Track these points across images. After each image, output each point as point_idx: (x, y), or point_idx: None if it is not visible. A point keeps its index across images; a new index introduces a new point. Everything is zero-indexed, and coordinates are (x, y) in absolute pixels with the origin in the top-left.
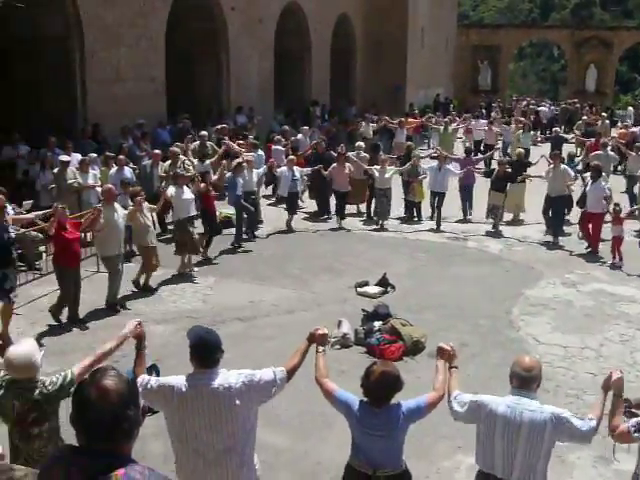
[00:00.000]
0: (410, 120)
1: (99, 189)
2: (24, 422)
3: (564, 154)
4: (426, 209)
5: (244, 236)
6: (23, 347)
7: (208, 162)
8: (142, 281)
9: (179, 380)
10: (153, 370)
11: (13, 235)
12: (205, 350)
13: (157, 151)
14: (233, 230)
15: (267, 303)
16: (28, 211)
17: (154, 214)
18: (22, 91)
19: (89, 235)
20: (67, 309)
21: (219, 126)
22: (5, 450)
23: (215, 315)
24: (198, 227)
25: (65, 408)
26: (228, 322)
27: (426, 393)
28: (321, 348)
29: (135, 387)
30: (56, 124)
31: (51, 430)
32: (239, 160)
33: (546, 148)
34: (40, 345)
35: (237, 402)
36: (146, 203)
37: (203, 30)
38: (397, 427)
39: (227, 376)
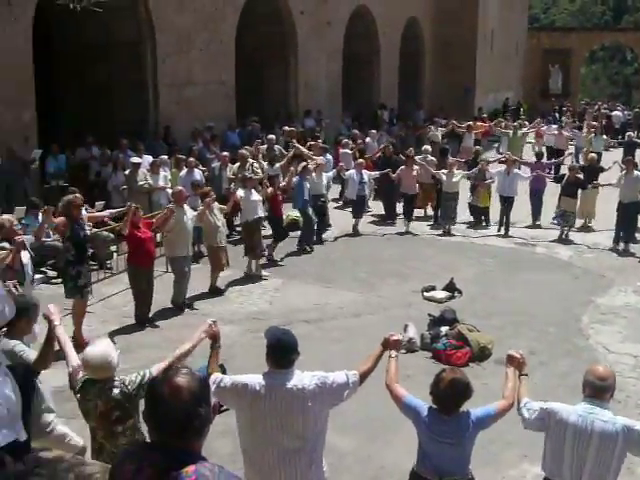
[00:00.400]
0: (478, 124)
1: (169, 190)
2: (108, 420)
3: (637, 159)
4: (494, 214)
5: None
6: (99, 347)
7: (278, 166)
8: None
9: (253, 379)
10: (222, 369)
11: (88, 233)
12: (281, 350)
13: (226, 153)
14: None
15: (333, 306)
16: (100, 212)
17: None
18: (95, 95)
19: (158, 236)
20: (136, 307)
21: (287, 129)
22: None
23: (282, 317)
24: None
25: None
26: (295, 324)
27: (495, 401)
28: (394, 353)
29: (207, 385)
30: (128, 127)
31: (134, 427)
32: (305, 163)
33: (618, 153)
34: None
35: (310, 404)
36: (216, 203)
37: (272, 34)
38: (466, 435)
39: (301, 377)
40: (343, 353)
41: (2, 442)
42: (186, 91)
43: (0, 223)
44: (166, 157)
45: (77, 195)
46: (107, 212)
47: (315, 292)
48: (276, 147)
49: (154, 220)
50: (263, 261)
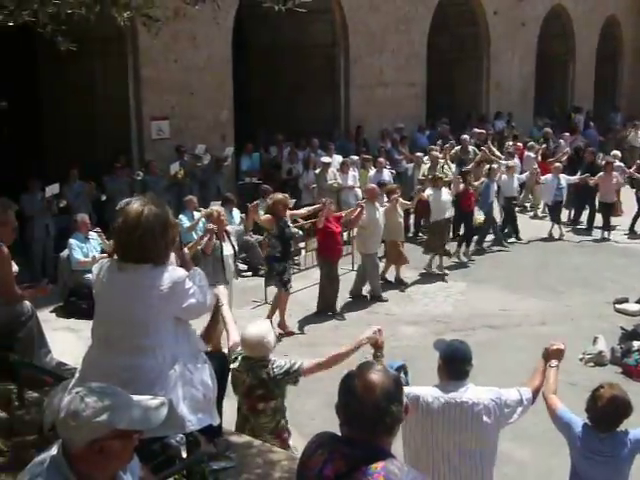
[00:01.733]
0: None
1: (358, 190)
2: (251, 396)
3: None
4: None
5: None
6: (257, 328)
7: (467, 168)
8: (390, 276)
9: (426, 391)
10: (402, 370)
11: (292, 231)
12: (458, 361)
13: (419, 154)
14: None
15: (519, 313)
16: (291, 209)
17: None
18: (288, 95)
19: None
20: (321, 299)
21: (477, 130)
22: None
23: (465, 321)
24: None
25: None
26: (478, 329)
27: None
28: (554, 362)
29: (400, 384)
30: (319, 126)
31: (276, 409)
32: (493, 165)
33: None
34: (293, 334)
35: (485, 419)
36: (401, 200)
37: (464, 34)
38: (621, 455)
39: (476, 391)
40: (527, 362)
41: (198, 425)
42: (377, 92)
43: (209, 213)
44: (356, 157)
45: (286, 195)
46: (305, 210)
47: (500, 297)
48: (470, 148)
49: (343, 214)
50: (449, 262)
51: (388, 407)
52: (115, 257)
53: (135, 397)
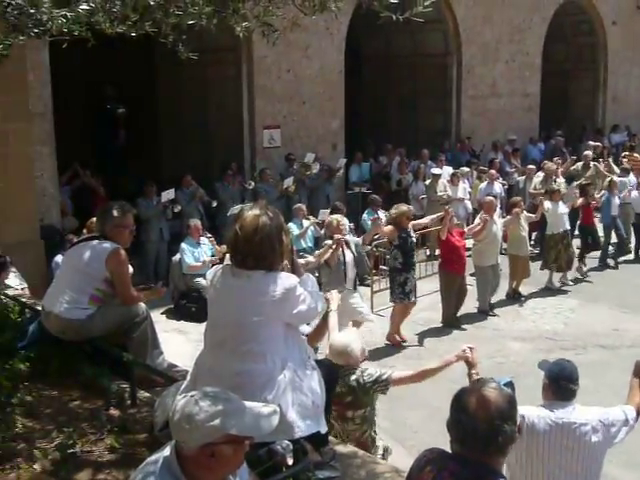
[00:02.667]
0: None
1: (467, 202)
2: (340, 403)
3: None
4: None
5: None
6: (344, 337)
7: (575, 184)
8: (515, 288)
9: (531, 411)
10: (509, 387)
11: (414, 241)
12: (563, 381)
13: (531, 166)
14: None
15: (633, 333)
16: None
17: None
18: (400, 104)
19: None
20: (444, 312)
21: (593, 143)
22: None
23: (576, 339)
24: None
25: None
26: (589, 348)
27: None
28: None
29: (514, 402)
30: (430, 137)
31: (363, 418)
32: (612, 178)
33: None
34: (404, 341)
35: (592, 439)
36: (525, 213)
37: (581, 45)
38: None
39: (583, 412)
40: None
41: (306, 432)
42: (489, 102)
43: (328, 222)
44: (467, 169)
45: (411, 208)
46: (428, 219)
47: (613, 316)
48: (592, 164)
49: (466, 229)
50: (570, 275)
51: (502, 426)
52: (228, 263)
53: (248, 404)
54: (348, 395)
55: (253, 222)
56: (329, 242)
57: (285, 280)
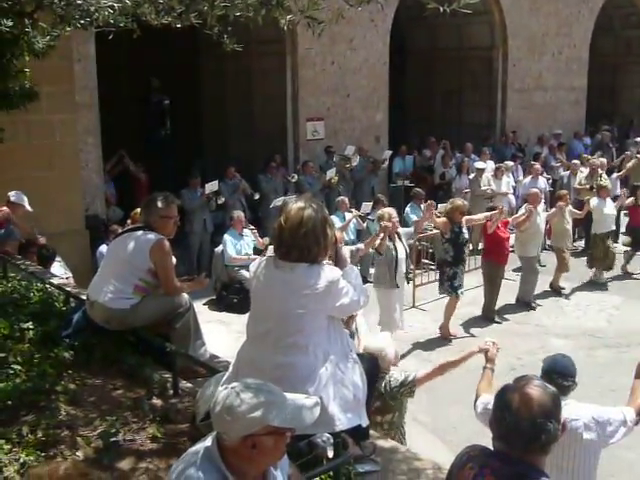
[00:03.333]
0: None
1: (511, 196)
2: (369, 409)
3: None
4: None
5: None
6: (377, 341)
7: (615, 176)
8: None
9: None
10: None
11: (467, 237)
12: (554, 375)
13: (576, 161)
14: None
15: None
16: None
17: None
18: (445, 97)
19: None
20: (486, 303)
21: (638, 139)
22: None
23: (619, 337)
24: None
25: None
26: (633, 346)
27: None
28: None
29: (559, 401)
30: (475, 130)
31: (391, 424)
32: None
33: None
34: (444, 342)
35: (585, 436)
36: (570, 207)
37: (629, 38)
38: None
39: (577, 408)
40: None
41: (347, 425)
42: (535, 96)
43: (380, 214)
44: (512, 163)
45: (465, 202)
46: (482, 215)
47: None
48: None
49: (511, 219)
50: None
51: (545, 424)
52: (271, 254)
53: (289, 395)
54: (377, 400)
55: (298, 215)
56: (384, 224)
57: (328, 273)
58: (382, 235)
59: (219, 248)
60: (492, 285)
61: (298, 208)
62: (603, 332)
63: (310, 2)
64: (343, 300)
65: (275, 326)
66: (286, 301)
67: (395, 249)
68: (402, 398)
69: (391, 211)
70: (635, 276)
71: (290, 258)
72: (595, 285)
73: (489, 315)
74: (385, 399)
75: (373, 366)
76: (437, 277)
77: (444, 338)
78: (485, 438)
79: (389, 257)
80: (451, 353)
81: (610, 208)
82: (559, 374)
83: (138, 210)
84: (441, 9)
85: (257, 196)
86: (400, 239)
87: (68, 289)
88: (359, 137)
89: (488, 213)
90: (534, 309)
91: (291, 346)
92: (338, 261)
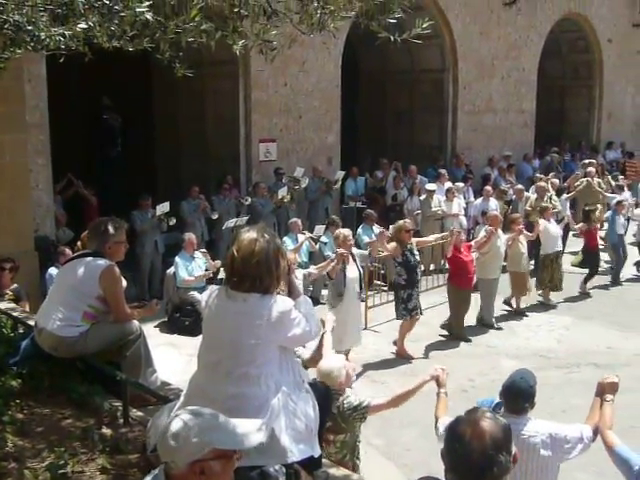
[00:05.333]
0: None
1: (462, 218)
2: (321, 437)
3: None
4: None
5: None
6: (328, 362)
7: (564, 197)
8: (514, 305)
9: None
10: (500, 407)
11: (418, 258)
12: (511, 396)
13: (520, 186)
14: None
15: (628, 352)
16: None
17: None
18: (396, 119)
19: None
20: (451, 325)
21: (587, 161)
22: None
23: (569, 357)
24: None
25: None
26: (583, 366)
27: None
28: (609, 397)
29: (510, 433)
30: (426, 151)
31: (343, 443)
32: (620, 199)
33: None
34: (412, 358)
35: (542, 452)
36: (525, 232)
37: (577, 62)
38: None
39: (535, 425)
40: (632, 406)
41: (300, 456)
42: (485, 118)
43: (335, 235)
44: (462, 185)
45: (407, 221)
46: (432, 237)
47: (607, 335)
48: (596, 181)
49: (473, 242)
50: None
51: (496, 456)
52: (223, 285)
53: (233, 419)
54: (329, 420)
55: (250, 245)
56: (340, 251)
57: (280, 303)
58: (336, 262)
59: (171, 270)
60: (458, 308)
61: (250, 238)
62: (554, 352)
63: (264, 28)
64: (295, 331)
65: (227, 356)
66: (238, 331)
67: (344, 270)
68: (354, 422)
69: (347, 232)
70: (584, 296)
71: (242, 288)
72: (545, 306)
73: (460, 337)
74: (337, 420)
75: (326, 395)
76: (389, 298)
77: (400, 357)
78: (439, 462)
79: (339, 278)
80: (402, 375)
81: (557, 230)
82: (516, 395)
83: None
84: (392, 38)
85: (216, 215)
86: (355, 260)
87: (15, 314)
88: (311, 158)
89: (438, 235)
90: (500, 329)
91: (243, 377)
92: (291, 291)
